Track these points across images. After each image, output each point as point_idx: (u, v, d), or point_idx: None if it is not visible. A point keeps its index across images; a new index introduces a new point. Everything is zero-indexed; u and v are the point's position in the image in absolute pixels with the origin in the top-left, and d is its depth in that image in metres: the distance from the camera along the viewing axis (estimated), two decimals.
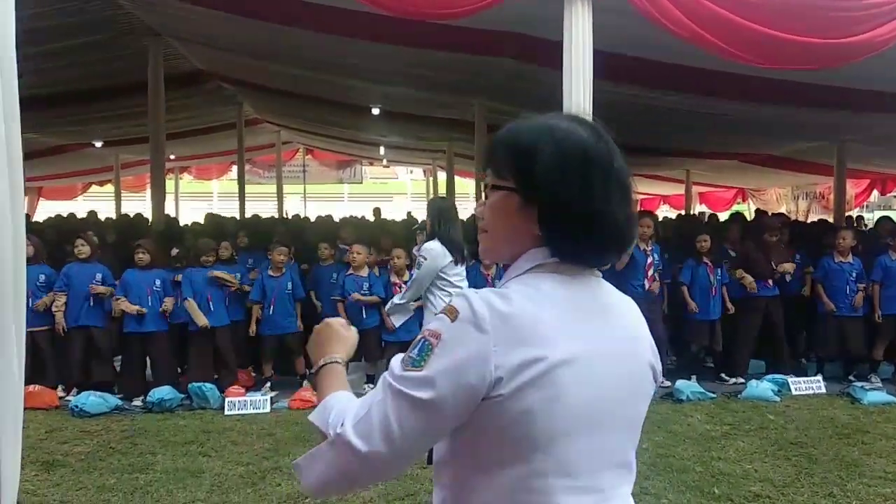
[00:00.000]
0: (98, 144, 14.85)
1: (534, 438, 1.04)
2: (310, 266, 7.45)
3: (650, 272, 6.57)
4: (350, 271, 6.64)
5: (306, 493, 1.11)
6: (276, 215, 15.62)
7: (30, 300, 5.88)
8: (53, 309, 6.16)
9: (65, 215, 12.68)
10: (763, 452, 4.83)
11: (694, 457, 4.71)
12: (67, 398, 6.02)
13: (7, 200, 1.58)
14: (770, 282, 6.84)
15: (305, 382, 6.43)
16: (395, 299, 5.22)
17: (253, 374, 6.84)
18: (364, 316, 6.50)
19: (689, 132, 10.01)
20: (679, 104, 7.77)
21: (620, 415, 1.13)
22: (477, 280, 6.16)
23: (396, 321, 5.94)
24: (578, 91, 4.37)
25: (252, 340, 6.76)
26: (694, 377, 6.61)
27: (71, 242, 6.55)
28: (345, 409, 1.10)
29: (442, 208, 4.83)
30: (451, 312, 1.06)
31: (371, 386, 6.38)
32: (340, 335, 1.32)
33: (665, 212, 19.67)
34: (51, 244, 7.48)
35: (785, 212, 15.35)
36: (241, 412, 5.74)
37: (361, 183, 28.97)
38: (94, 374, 6.23)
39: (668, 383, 6.31)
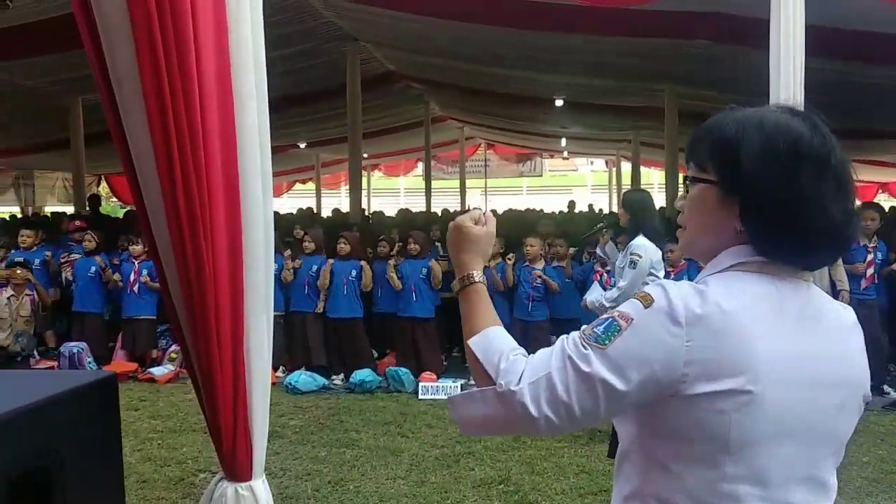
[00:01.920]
0: (302, 145, 16.17)
1: (725, 442, 1.01)
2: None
3: (869, 272, 5.94)
4: (527, 263, 6.70)
5: (458, 425, 1.15)
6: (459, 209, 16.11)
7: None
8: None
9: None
10: None
11: None
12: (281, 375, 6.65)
13: (259, 195, 1.81)
14: None
15: None
16: (601, 299, 4.50)
17: (444, 362, 7.12)
18: (531, 309, 6.54)
19: None
20: None
21: (822, 429, 1.06)
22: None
23: None
24: (787, 71, 4.02)
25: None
26: None
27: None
28: (511, 356, 1.09)
29: (642, 200, 4.55)
30: (646, 299, 1.03)
31: None
32: (471, 237, 1.25)
33: (882, 201, 17.61)
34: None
35: None
36: (433, 397, 6.01)
37: (541, 176, 29.00)
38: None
39: (894, 393, 5.71)
